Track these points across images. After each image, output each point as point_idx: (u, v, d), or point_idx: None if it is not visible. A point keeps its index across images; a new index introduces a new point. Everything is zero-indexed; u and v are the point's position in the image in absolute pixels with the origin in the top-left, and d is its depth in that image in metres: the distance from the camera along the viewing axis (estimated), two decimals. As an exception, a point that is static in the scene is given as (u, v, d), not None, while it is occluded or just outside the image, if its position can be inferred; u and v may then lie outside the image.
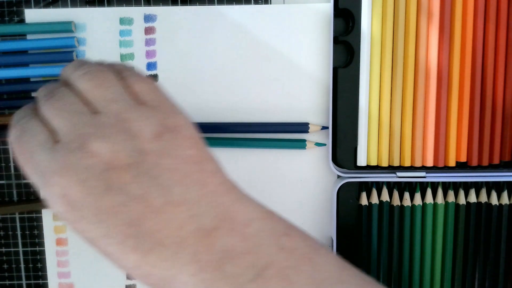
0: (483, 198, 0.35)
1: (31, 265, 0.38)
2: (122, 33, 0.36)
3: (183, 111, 0.23)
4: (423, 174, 0.35)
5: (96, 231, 0.19)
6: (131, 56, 0.36)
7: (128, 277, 0.38)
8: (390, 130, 0.35)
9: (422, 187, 0.36)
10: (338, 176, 0.37)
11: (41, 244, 0.38)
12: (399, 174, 0.35)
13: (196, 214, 0.20)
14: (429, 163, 0.35)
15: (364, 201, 0.36)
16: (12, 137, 0.22)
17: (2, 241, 0.38)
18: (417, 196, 0.36)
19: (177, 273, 0.19)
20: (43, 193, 0.21)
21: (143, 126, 0.21)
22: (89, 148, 0.20)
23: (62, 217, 0.20)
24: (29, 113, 0.22)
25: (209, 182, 0.21)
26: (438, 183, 0.36)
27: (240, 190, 0.22)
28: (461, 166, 0.35)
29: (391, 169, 0.35)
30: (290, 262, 0.20)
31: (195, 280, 0.19)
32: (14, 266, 0.38)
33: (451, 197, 0.36)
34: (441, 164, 0.35)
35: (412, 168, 0.35)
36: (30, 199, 0.37)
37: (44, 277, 0.38)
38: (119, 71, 0.23)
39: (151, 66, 0.36)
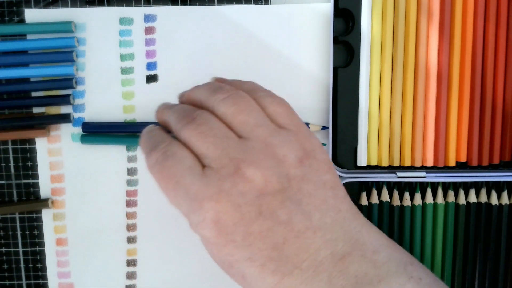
0: (483, 198, 0.35)
1: (31, 265, 0.38)
2: (122, 33, 0.36)
3: (315, 134, 0.23)
4: (423, 174, 0.35)
5: (241, 254, 0.20)
6: (131, 56, 0.36)
7: (128, 277, 0.38)
8: (390, 130, 0.35)
9: (422, 187, 0.36)
10: (338, 176, 0.37)
11: (41, 244, 0.38)
12: (399, 174, 0.35)
13: (331, 239, 0.20)
14: (429, 163, 0.35)
15: (364, 201, 0.36)
16: (152, 162, 0.21)
17: (2, 241, 0.38)
18: (417, 196, 0.36)
19: None
20: (193, 218, 0.20)
21: (288, 152, 0.21)
22: (243, 174, 0.20)
23: (208, 241, 0.20)
24: (166, 137, 0.22)
25: (342, 208, 0.21)
26: (438, 183, 0.36)
27: (362, 215, 0.23)
28: (461, 166, 0.35)
29: (391, 169, 0.35)
30: None
31: None
32: (14, 266, 0.38)
33: (451, 197, 0.36)
34: (441, 164, 0.35)
35: (412, 168, 0.35)
36: (30, 199, 0.37)
37: (44, 277, 0.38)
38: (252, 91, 0.23)
39: (151, 66, 0.36)
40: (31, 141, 0.37)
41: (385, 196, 0.36)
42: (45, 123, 0.36)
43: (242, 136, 0.21)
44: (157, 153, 0.21)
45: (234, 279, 0.21)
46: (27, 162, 0.37)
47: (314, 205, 0.21)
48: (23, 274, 0.38)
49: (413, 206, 0.36)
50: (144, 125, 0.36)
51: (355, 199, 0.36)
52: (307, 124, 0.36)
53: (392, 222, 0.36)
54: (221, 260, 0.21)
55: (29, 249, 0.38)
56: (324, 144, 0.36)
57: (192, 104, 0.23)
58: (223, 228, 0.20)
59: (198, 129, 0.21)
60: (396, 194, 0.36)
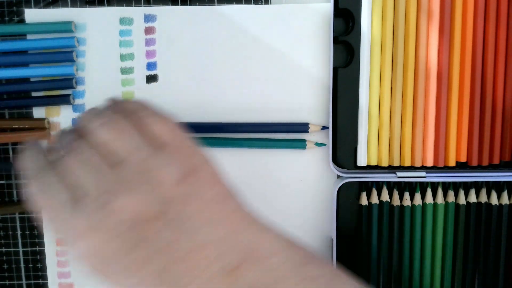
0: (483, 198, 0.35)
1: (31, 265, 0.38)
2: (122, 33, 0.36)
3: (201, 149, 0.23)
4: (423, 174, 0.35)
5: (129, 281, 0.20)
6: (131, 56, 0.36)
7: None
8: (390, 130, 0.35)
9: (422, 187, 0.36)
10: (338, 176, 0.37)
11: (41, 244, 0.38)
12: (399, 174, 0.35)
13: (221, 254, 0.20)
14: (429, 163, 0.35)
15: (364, 201, 0.36)
16: (33, 191, 0.21)
17: (2, 241, 0.38)
18: (417, 196, 0.36)
19: None
20: (72, 252, 0.21)
21: (165, 174, 0.20)
22: (114, 205, 0.20)
23: (93, 273, 0.21)
24: (45, 165, 0.22)
25: (232, 220, 0.21)
26: (438, 183, 0.36)
27: (260, 222, 0.22)
28: (461, 166, 0.35)
29: (391, 169, 0.35)
30: None
31: None
32: (14, 266, 0.38)
33: (451, 197, 0.36)
34: (441, 164, 0.35)
35: (412, 168, 0.35)
36: (30, 199, 0.37)
37: (44, 277, 0.38)
38: (135, 111, 0.22)
39: (151, 66, 0.36)
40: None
41: (385, 196, 0.36)
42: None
43: (119, 163, 0.21)
44: (36, 183, 0.21)
45: None
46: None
47: (200, 222, 0.20)
48: (23, 274, 0.38)
49: (413, 206, 0.36)
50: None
51: (355, 199, 0.36)
52: (307, 124, 0.36)
53: (392, 222, 0.36)
54: (113, 285, 0.21)
55: (29, 249, 0.38)
56: (323, 144, 0.36)
57: (78, 133, 0.23)
58: (102, 259, 0.20)
59: (73, 160, 0.21)
60: (396, 194, 0.36)
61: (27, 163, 0.22)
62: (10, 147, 0.37)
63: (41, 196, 0.21)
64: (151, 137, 0.22)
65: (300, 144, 0.36)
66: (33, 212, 0.37)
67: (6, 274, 0.38)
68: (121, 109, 0.23)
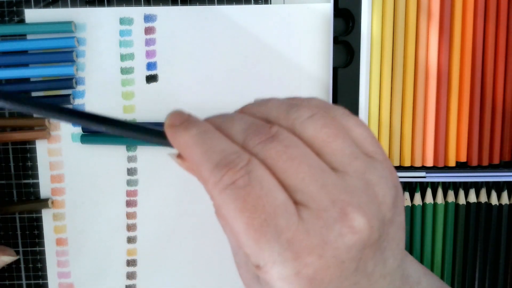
0: (483, 198, 0.35)
1: (31, 265, 0.38)
2: (122, 33, 0.36)
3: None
4: (423, 174, 0.35)
5: None
6: (131, 56, 0.36)
7: (128, 277, 0.38)
8: (390, 130, 0.35)
9: (422, 187, 0.36)
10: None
11: (41, 244, 0.38)
12: (399, 174, 0.35)
13: (392, 280, 0.19)
14: (429, 163, 0.35)
15: (364, 201, 0.36)
16: (226, 183, 0.16)
17: (2, 241, 0.38)
18: (417, 196, 0.36)
19: None
20: (279, 269, 0.16)
21: (387, 191, 0.18)
22: (351, 222, 0.16)
23: None
24: (239, 150, 0.17)
25: (402, 246, 0.19)
26: (438, 183, 0.36)
27: None
28: (461, 166, 0.35)
29: (391, 169, 0.35)
30: None
31: None
32: (14, 266, 0.38)
33: (451, 197, 0.36)
34: (441, 164, 0.35)
35: (412, 168, 0.35)
36: (30, 199, 0.37)
37: (44, 277, 0.38)
38: (326, 109, 0.19)
39: (151, 66, 0.36)
40: (31, 141, 0.37)
41: (385, 196, 0.36)
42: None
43: (336, 169, 0.17)
44: (236, 173, 0.16)
45: None
46: (27, 162, 0.37)
47: (391, 249, 0.18)
48: (23, 274, 0.38)
49: (413, 206, 0.36)
50: (144, 125, 0.36)
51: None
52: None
53: (392, 222, 0.36)
54: None
55: (29, 249, 0.38)
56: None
57: (275, 120, 0.18)
58: (316, 286, 0.16)
59: (287, 152, 0.17)
60: (396, 194, 0.36)
61: (203, 142, 0.17)
62: (10, 147, 0.37)
63: (246, 192, 0.16)
64: (357, 143, 0.18)
65: (300, 144, 0.36)
66: (34, 212, 0.37)
67: (6, 274, 0.38)
68: (307, 103, 0.19)
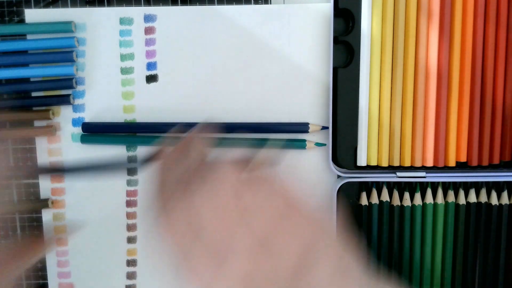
0: (483, 198, 0.35)
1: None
2: (122, 33, 0.36)
3: None
4: (423, 174, 0.35)
5: None
6: (131, 56, 0.36)
7: (128, 277, 0.38)
8: (390, 130, 0.35)
9: (422, 187, 0.36)
10: (338, 176, 0.37)
11: (41, 244, 0.38)
12: (399, 174, 0.35)
13: None
14: (429, 163, 0.35)
15: (364, 201, 0.36)
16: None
17: (2, 241, 0.38)
18: (417, 196, 0.36)
19: None
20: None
21: None
22: None
23: None
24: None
25: None
26: (438, 183, 0.36)
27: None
28: (461, 166, 0.35)
29: (391, 169, 0.35)
30: None
31: None
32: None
33: (451, 197, 0.36)
34: (441, 164, 0.35)
35: (412, 168, 0.35)
36: (30, 199, 0.37)
37: (44, 277, 0.38)
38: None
39: (151, 66, 0.36)
40: (31, 141, 0.37)
41: (385, 196, 0.36)
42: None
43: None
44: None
45: None
46: (27, 162, 0.37)
47: None
48: (23, 274, 0.38)
49: (413, 206, 0.36)
50: (144, 125, 0.36)
51: (355, 199, 0.36)
52: (307, 124, 0.36)
53: (392, 222, 0.36)
54: None
55: (29, 249, 0.38)
56: (323, 144, 0.36)
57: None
58: None
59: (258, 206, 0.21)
60: (396, 194, 0.36)
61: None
62: (10, 147, 0.37)
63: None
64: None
65: (300, 144, 0.36)
66: (34, 212, 0.37)
67: (6, 274, 0.38)
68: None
